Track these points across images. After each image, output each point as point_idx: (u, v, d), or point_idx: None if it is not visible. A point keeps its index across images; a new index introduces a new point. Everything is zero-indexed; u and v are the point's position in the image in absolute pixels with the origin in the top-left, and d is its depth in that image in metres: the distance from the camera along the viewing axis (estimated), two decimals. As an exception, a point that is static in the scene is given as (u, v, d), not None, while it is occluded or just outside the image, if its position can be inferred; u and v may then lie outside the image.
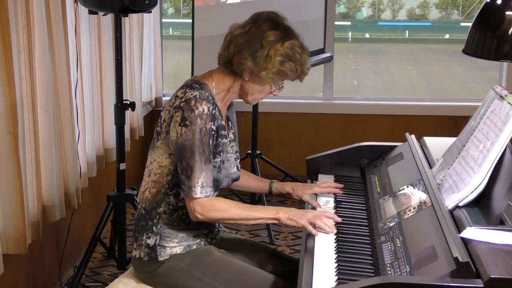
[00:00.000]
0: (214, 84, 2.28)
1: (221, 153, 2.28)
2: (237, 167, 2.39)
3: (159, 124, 2.28)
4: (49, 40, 2.92)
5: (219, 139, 2.26)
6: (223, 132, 2.27)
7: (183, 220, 2.29)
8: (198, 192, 2.17)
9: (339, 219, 2.24)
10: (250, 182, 2.59)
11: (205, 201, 2.19)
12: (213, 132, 2.20)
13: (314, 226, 2.20)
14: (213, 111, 2.19)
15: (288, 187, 2.53)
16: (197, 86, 2.24)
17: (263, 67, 2.21)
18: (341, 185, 2.53)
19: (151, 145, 2.32)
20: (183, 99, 2.19)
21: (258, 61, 2.20)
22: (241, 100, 2.36)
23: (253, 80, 2.25)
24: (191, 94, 2.19)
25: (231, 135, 2.37)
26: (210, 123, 2.18)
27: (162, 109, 2.29)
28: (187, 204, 2.22)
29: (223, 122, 2.27)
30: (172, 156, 2.24)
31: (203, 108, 2.16)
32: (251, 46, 2.21)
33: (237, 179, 2.40)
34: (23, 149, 2.71)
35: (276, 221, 2.25)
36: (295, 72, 2.25)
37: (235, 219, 2.25)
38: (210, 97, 2.21)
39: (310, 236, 2.16)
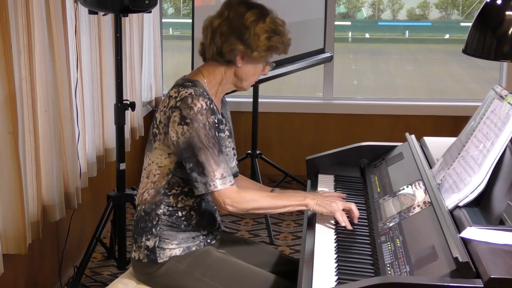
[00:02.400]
0: (205, 80, 2.29)
1: (222, 147, 2.29)
2: (236, 162, 2.40)
3: (155, 125, 2.27)
4: (49, 40, 2.92)
5: (220, 133, 2.27)
6: (221, 126, 2.29)
7: (183, 221, 2.29)
8: (218, 184, 2.16)
9: (350, 227, 2.21)
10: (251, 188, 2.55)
11: (233, 194, 2.18)
12: (216, 125, 2.21)
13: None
14: (211, 106, 2.20)
15: None
16: (190, 84, 2.24)
17: (254, 48, 2.23)
18: (343, 195, 2.45)
19: (147, 147, 2.32)
20: (178, 99, 2.19)
21: (248, 42, 2.22)
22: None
23: (247, 63, 2.27)
24: (186, 92, 2.19)
25: (227, 132, 2.38)
26: (212, 116, 2.19)
27: (156, 111, 2.29)
28: (213, 199, 2.21)
29: (220, 117, 2.29)
30: (172, 156, 2.24)
31: (201, 104, 2.17)
32: (237, 30, 2.23)
33: (236, 174, 2.41)
34: (23, 149, 2.71)
35: (304, 207, 2.25)
36: (283, 44, 2.28)
37: (264, 208, 2.26)
38: (205, 93, 2.22)
39: (310, 236, 2.16)
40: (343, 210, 2.25)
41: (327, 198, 2.27)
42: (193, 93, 2.18)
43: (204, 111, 2.16)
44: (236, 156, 2.43)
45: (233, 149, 2.40)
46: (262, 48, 2.24)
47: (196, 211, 2.30)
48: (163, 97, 5.00)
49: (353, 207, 2.25)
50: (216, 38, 2.25)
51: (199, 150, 2.15)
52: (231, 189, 2.18)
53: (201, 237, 2.32)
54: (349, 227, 2.20)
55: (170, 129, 2.19)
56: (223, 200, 2.18)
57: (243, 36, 2.22)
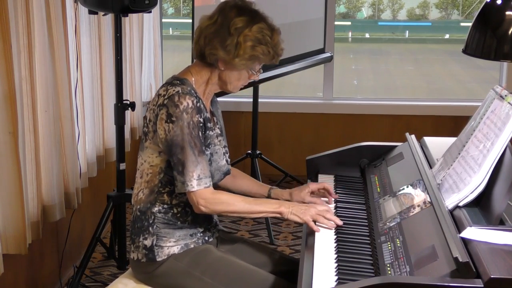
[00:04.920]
0: (193, 79, 2.29)
1: (210, 146, 2.30)
2: (227, 161, 2.41)
3: (145, 124, 2.28)
4: (49, 40, 2.92)
5: (207, 132, 2.27)
6: (209, 124, 2.29)
7: (178, 218, 2.29)
8: (194, 185, 2.17)
9: (340, 222, 2.23)
10: (251, 186, 2.56)
11: (208, 194, 2.19)
12: (201, 124, 2.21)
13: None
14: (198, 104, 2.21)
15: (286, 194, 2.49)
16: (178, 82, 2.25)
17: (235, 55, 2.22)
18: (332, 193, 2.47)
19: (140, 146, 2.33)
20: (166, 96, 2.20)
21: (229, 49, 2.21)
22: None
23: (229, 68, 2.26)
24: (174, 90, 2.20)
25: (217, 130, 2.38)
26: (197, 115, 2.19)
27: (147, 110, 2.30)
28: (189, 198, 2.22)
29: (208, 115, 2.29)
30: (162, 154, 2.25)
31: (187, 102, 2.17)
32: (220, 35, 2.22)
33: (227, 172, 2.42)
34: (23, 149, 2.71)
35: (278, 215, 2.26)
36: (268, 54, 2.25)
37: (238, 212, 2.26)
38: (192, 91, 2.23)
39: (310, 236, 2.16)
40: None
41: (302, 207, 2.26)
42: (180, 91, 2.19)
43: (190, 109, 2.17)
44: (228, 154, 2.44)
45: (224, 147, 2.40)
46: (244, 57, 2.22)
47: (191, 208, 2.30)
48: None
49: (328, 215, 2.24)
50: (201, 39, 2.26)
51: (181, 149, 2.17)
52: (206, 190, 2.20)
53: (199, 234, 2.33)
54: (333, 225, 2.21)
55: (158, 127, 2.21)
56: (197, 200, 2.19)
57: (225, 42, 2.21)
